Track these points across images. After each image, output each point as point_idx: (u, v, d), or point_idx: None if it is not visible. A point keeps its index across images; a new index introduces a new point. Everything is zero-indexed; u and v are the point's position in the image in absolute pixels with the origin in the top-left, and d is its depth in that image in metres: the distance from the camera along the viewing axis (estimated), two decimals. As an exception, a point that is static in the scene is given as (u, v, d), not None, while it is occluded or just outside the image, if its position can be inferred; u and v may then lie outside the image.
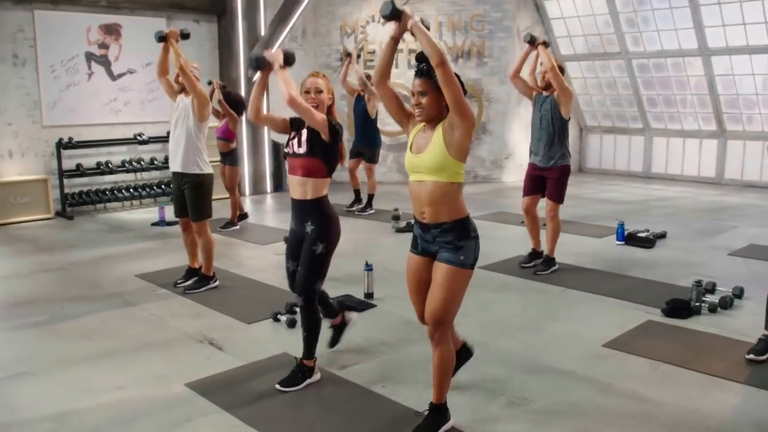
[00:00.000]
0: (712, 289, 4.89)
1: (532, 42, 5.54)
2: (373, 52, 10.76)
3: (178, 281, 5.32)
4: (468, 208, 2.92)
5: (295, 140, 3.47)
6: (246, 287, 5.32)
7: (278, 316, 4.48)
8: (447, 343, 2.93)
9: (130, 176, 9.09)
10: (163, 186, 9.12)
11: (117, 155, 9.00)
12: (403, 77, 10.34)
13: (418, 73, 2.84)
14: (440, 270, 2.86)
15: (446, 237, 2.85)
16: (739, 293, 4.82)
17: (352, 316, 3.99)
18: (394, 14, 2.78)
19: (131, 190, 8.93)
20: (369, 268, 4.90)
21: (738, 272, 5.56)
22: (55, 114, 8.49)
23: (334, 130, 3.40)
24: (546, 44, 5.50)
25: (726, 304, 4.61)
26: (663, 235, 6.81)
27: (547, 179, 5.55)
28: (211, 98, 5.87)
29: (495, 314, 4.60)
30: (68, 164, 8.52)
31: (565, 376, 3.61)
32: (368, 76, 7.71)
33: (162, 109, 9.12)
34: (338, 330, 3.91)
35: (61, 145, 8.38)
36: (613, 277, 5.49)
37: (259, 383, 3.53)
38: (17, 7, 8.10)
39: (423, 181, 2.86)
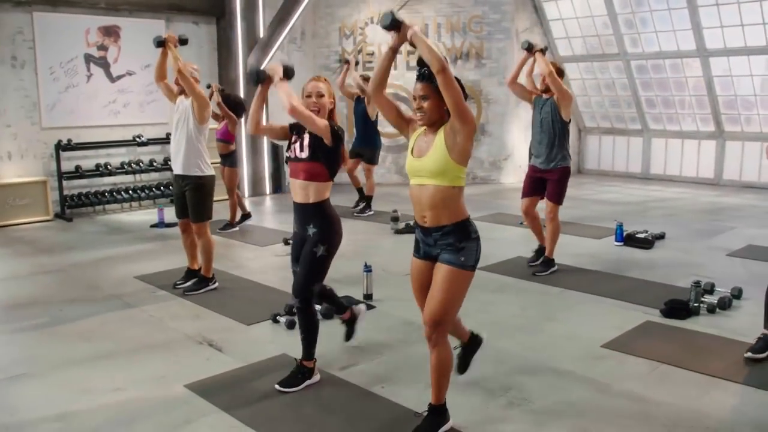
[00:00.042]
0: (710, 290, 4.90)
1: (530, 49, 5.56)
2: (372, 54, 10.78)
3: (178, 283, 5.32)
4: (467, 209, 2.92)
5: (297, 144, 3.47)
6: (245, 289, 5.33)
7: (277, 317, 4.49)
8: (445, 344, 2.93)
9: (129, 178, 9.09)
10: (162, 188, 9.13)
11: (116, 157, 8.99)
12: (402, 79, 10.33)
13: (420, 78, 2.85)
14: (441, 271, 2.86)
15: (447, 239, 2.86)
16: (737, 294, 4.83)
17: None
18: (394, 24, 2.80)
19: (130, 191, 8.92)
20: (368, 269, 4.90)
21: (736, 273, 5.57)
22: (54, 116, 8.49)
23: (337, 134, 3.41)
24: (543, 51, 5.52)
25: (724, 304, 4.62)
26: (661, 236, 6.82)
27: (548, 180, 5.56)
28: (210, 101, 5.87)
29: (494, 315, 4.60)
30: (67, 166, 8.51)
31: (564, 376, 3.61)
32: (366, 78, 7.70)
33: (161, 111, 9.13)
34: (350, 324, 3.97)
35: (60, 147, 8.38)
36: (612, 277, 5.50)
37: (259, 384, 3.54)
38: (16, 8, 8.10)
39: (424, 185, 2.87)
